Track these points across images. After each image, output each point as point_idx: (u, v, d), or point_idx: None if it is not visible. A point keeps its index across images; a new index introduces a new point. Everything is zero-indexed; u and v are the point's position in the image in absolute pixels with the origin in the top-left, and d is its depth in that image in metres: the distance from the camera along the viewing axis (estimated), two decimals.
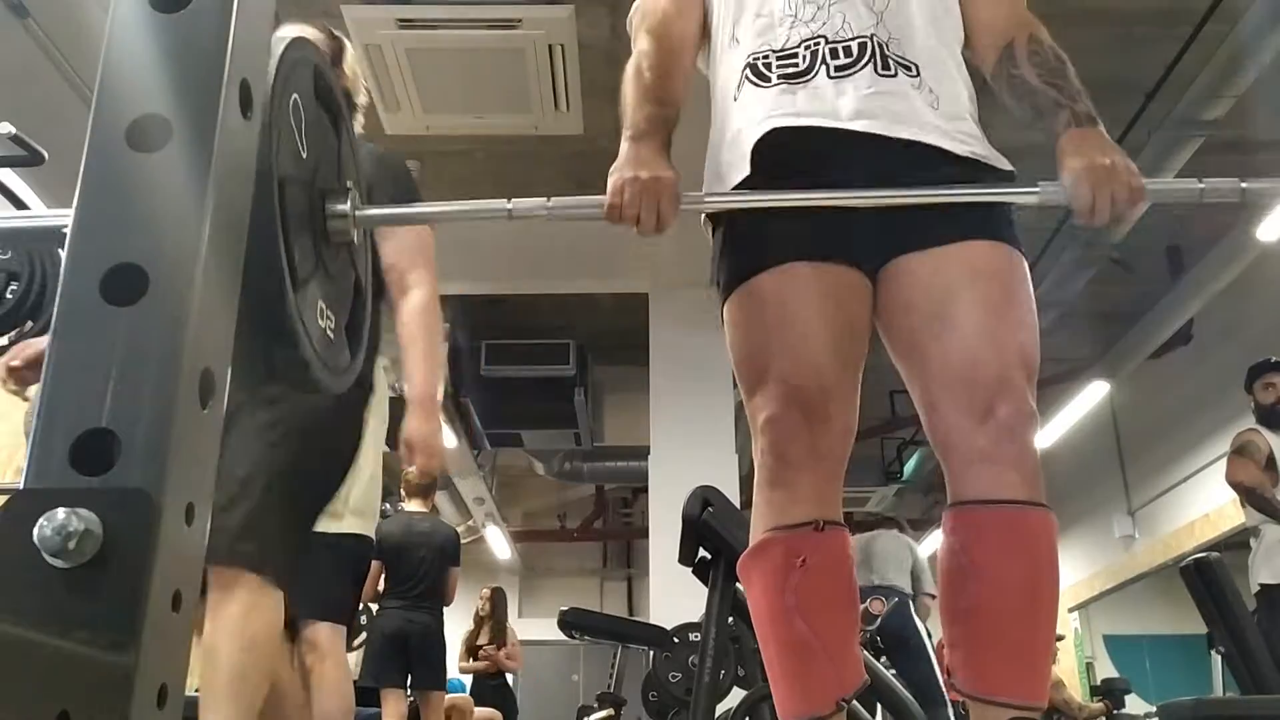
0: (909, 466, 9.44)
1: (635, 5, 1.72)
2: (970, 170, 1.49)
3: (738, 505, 2.76)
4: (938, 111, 1.50)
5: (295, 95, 1.15)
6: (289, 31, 1.09)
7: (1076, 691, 7.54)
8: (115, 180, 0.82)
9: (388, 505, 6.94)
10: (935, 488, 9.90)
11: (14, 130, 2.20)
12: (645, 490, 6.49)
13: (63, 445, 0.75)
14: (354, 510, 3.40)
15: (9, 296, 2.06)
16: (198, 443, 0.80)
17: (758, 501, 1.50)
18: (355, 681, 5.11)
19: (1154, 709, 5.75)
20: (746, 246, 1.54)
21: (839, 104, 1.49)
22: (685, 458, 5.66)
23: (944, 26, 1.59)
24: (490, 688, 7.16)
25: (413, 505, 5.07)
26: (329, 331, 1.21)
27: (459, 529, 6.31)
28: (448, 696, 5.89)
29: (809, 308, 1.47)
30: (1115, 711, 6.13)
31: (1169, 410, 7.67)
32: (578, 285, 6.18)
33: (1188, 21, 4.21)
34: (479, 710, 6.40)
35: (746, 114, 1.55)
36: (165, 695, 0.74)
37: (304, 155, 1.17)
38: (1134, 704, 6.86)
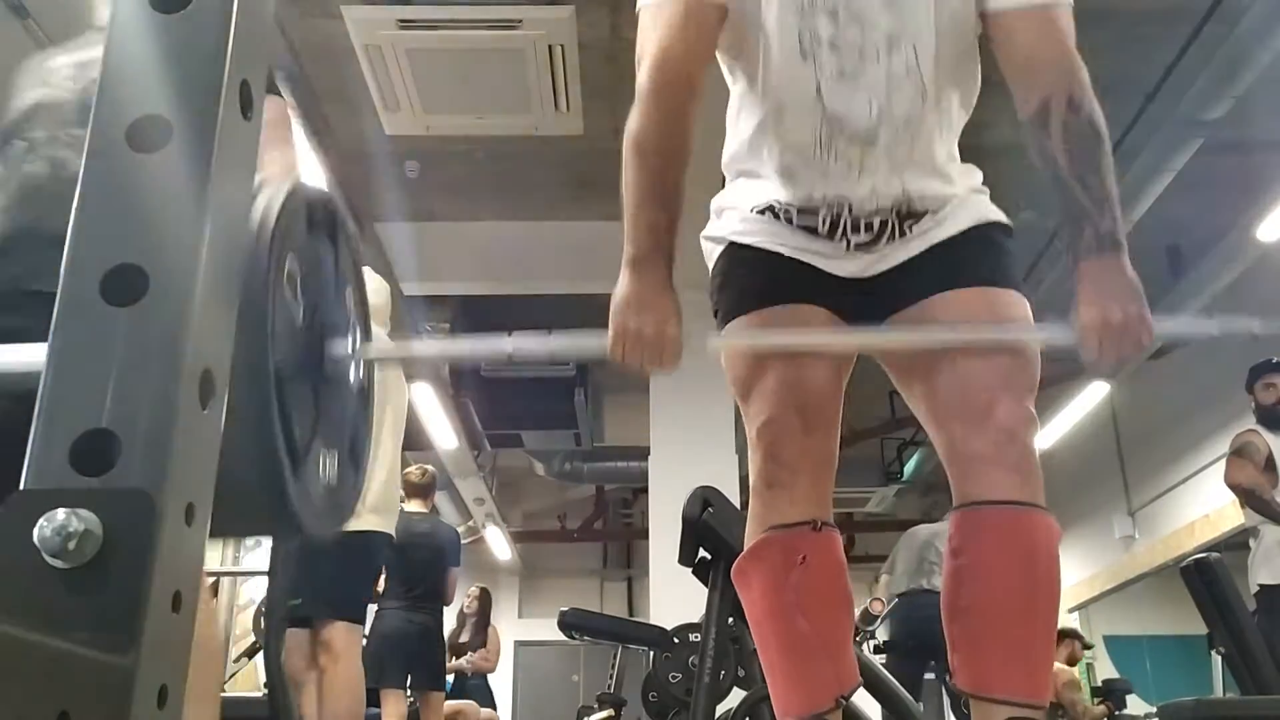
0: (909, 466, 9.44)
1: (645, 38, 1.52)
2: (970, 233, 1.55)
3: (738, 506, 2.76)
4: (941, 227, 1.55)
5: (297, 239, 1.13)
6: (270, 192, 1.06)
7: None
8: (115, 180, 0.82)
9: None
10: (935, 488, 9.89)
11: None
12: (645, 491, 6.49)
13: (63, 445, 0.75)
14: (372, 508, 3.40)
15: None
16: (198, 443, 0.80)
17: (754, 504, 1.53)
18: None
19: (1154, 709, 5.74)
20: (747, 287, 1.58)
21: (852, 267, 1.56)
22: (685, 458, 5.66)
23: (956, 122, 1.57)
24: (471, 686, 7.16)
25: (413, 505, 5.07)
26: (330, 481, 1.17)
27: (459, 529, 6.31)
28: (453, 703, 5.89)
29: (805, 326, 1.53)
30: (1116, 712, 6.13)
31: (1169, 410, 7.67)
32: (578, 285, 6.18)
33: (1188, 21, 4.21)
34: (484, 711, 6.40)
35: (768, 228, 1.58)
36: (165, 696, 0.74)
37: (301, 315, 1.14)
38: (1134, 704, 6.86)
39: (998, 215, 1.59)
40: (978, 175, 1.62)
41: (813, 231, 1.54)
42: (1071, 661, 6.72)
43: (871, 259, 1.55)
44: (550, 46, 4.27)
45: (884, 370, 1.62)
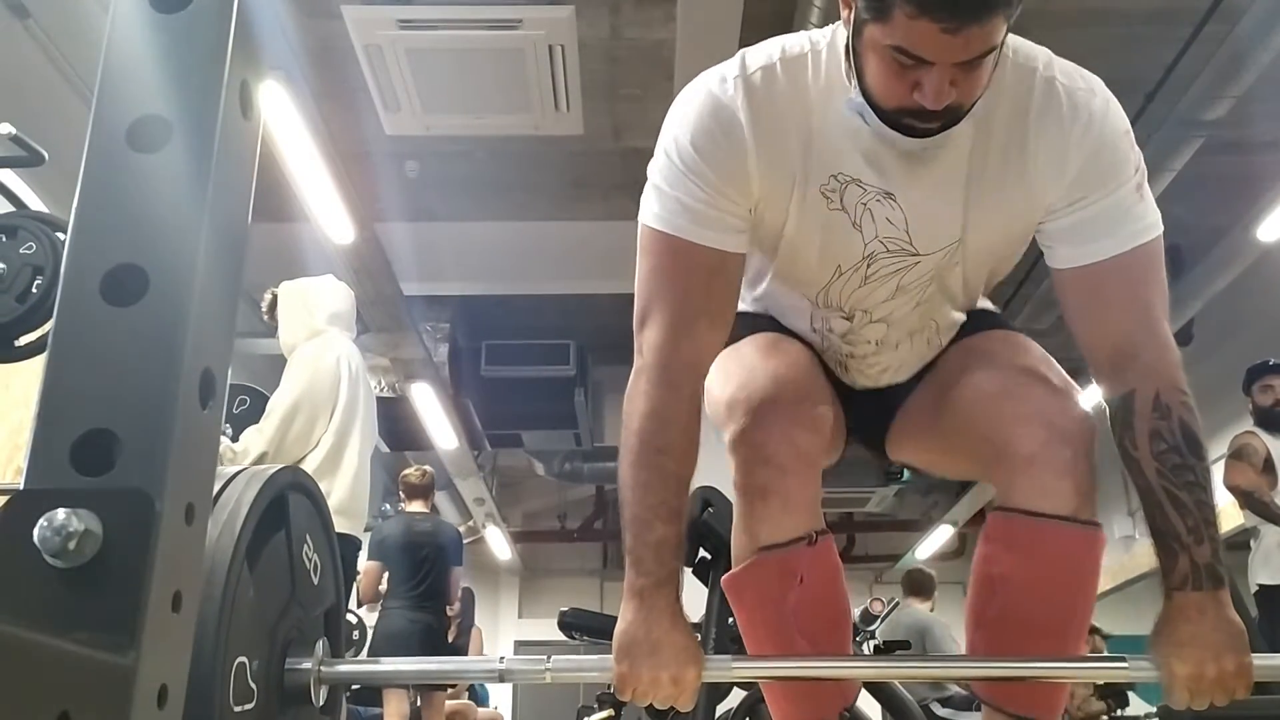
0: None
1: (648, 290, 1.30)
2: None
3: None
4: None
5: (269, 536, 1.07)
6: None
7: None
8: (115, 180, 0.82)
9: (388, 506, 6.95)
10: (935, 488, 9.89)
11: (14, 130, 2.20)
12: None
13: (63, 445, 0.75)
14: (337, 509, 3.42)
15: (34, 291, 2.04)
16: (198, 443, 0.80)
17: (742, 517, 1.39)
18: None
19: (1154, 709, 5.75)
20: (744, 324, 1.49)
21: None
22: None
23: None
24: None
25: (414, 506, 5.07)
26: None
27: (459, 529, 6.31)
28: (454, 703, 5.89)
29: (799, 346, 1.48)
30: (1117, 712, 6.12)
31: None
32: (578, 285, 6.19)
33: (1188, 21, 4.21)
34: (481, 710, 6.40)
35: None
36: (165, 695, 0.74)
37: (268, 604, 1.07)
38: (1135, 704, 6.85)
39: (990, 306, 1.58)
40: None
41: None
42: None
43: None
44: (550, 46, 4.27)
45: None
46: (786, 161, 1.26)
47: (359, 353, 3.52)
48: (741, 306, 1.47)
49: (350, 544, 3.57)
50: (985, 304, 1.56)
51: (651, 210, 1.29)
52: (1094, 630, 7.00)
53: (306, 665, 1.12)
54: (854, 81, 1.18)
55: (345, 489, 3.46)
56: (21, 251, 2.03)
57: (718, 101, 1.24)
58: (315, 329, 3.39)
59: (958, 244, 1.32)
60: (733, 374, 1.42)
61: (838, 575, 1.43)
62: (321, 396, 3.30)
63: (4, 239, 2.05)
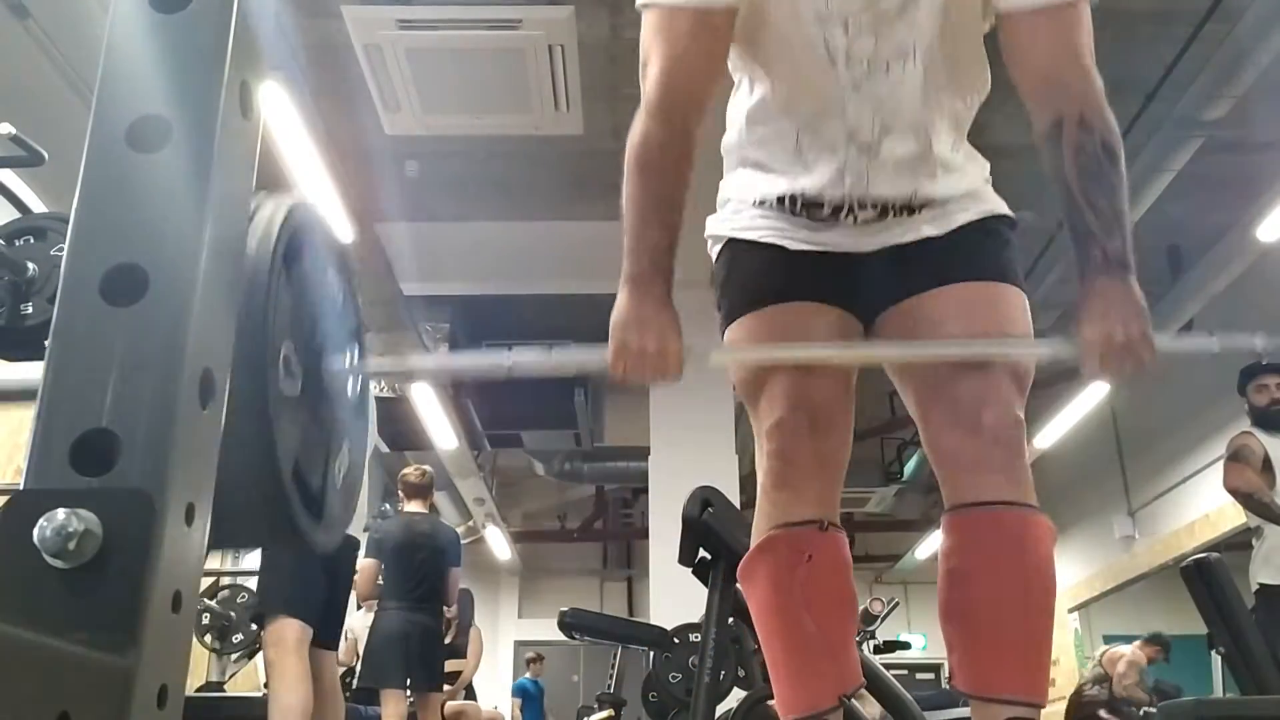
0: (909, 467, 9.44)
1: (650, 46, 1.47)
2: (975, 228, 1.54)
3: (738, 506, 2.76)
4: (945, 219, 1.55)
5: (297, 257, 1.14)
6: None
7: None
8: (115, 180, 0.82)
9: (388, 506, 6.95)
10: (935, 488, 9.82)
11: (14, 130, 2.20)
12: (645, 491, 6.50)
13: (63, 445, 0.75)
14: None
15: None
16: (198, 443, 0.80)
17: (761, 504, 1.53)
18: (355, 682, 5.12)
19: (1154, 709, 5.75)
20: (750, 284, 1.57)
21: (860, 242, 1.55)
22: (685, 458, 5.66)
23: (963, 118, 1.56)
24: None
25: (413, 506, 5.07)
26: (321, 488, 1.18)
27: (459, 529, 6.31)
28: (455, 704, 5.89)
29: (810, 328, 1.53)
30: (1155, 704, 6.14)
31: (1169, 410, 7.67)
32: (578, 285, 6.19)
33: (1188, 21, 4.21)
34: (484, 710, 6.40)
35: (773, 221, 1.57)
36: (165, 695, 0.74)
37: (303, 314, 1.16)
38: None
39: (1003, 208, 1.59)
40: (985, 165, 1.62)
41: (818, 219, 1.54)
42: (1150, 660, 6.85)
43: (876, 232, 1.54)
44: (550, 46, 4.27)
45: (883, 371, 1.62)
46: None
47: None
48: (749, 234, 1.56)
49: (347, 543, 3.57)
50: (999, 204, 1.58)
51: None
52: (1164, 645, 7.07)
53: (342, 363, 1.23)
54: None
55: None
56: (52, 253, 2.03)
57: None
58: None
59: None
60: (758, 370, 1.53)
61: (845, 567, 1.52)
62: None
63: (33, 240, 2.05)
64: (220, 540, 0.97)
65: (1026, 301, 1.54)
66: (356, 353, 1.29)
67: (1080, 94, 1.41)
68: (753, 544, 1.54)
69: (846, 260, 1.54)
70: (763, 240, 1.56)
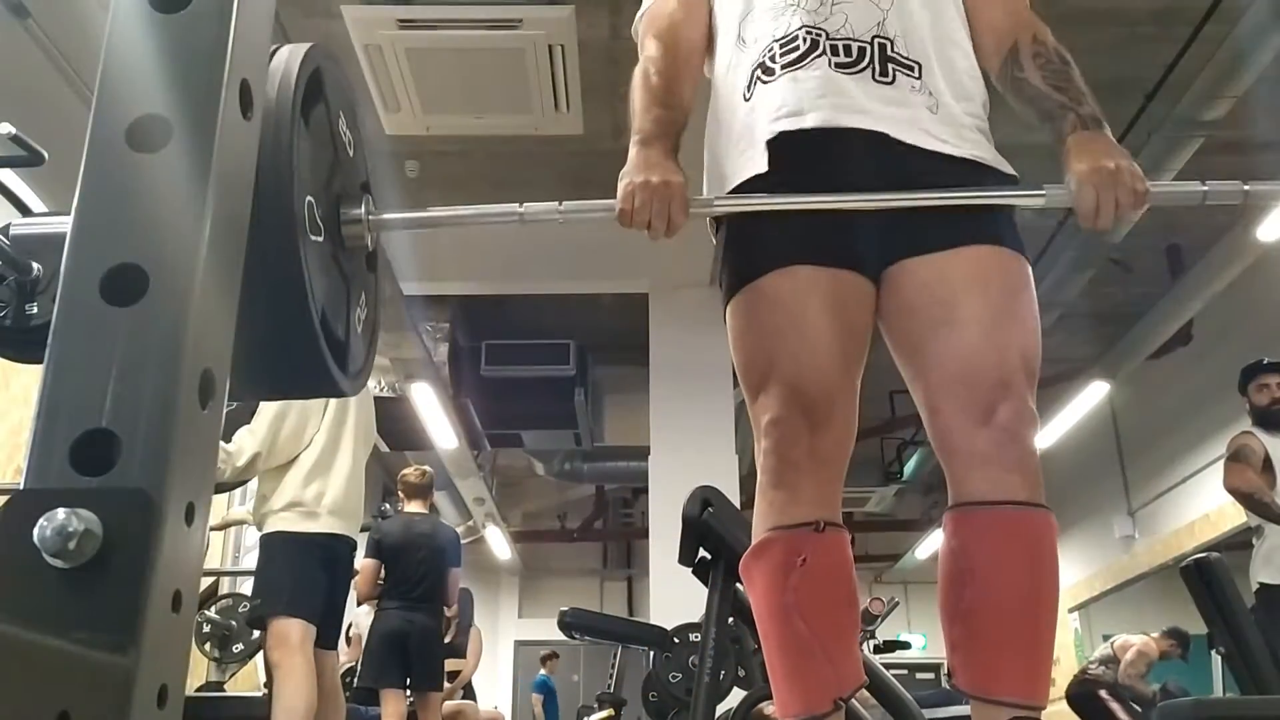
0: (909, 466, 9.44)
1: (641, 10, 1.71)
2: (973, 174, 1.49)
3: (738, 505, 2.75)
4: (937, 115, 1.51)
5: (313, 105, 1.15)
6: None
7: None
8: (115, 180, 0.82)
9: (388, 505, 6.95)
10: (935, 488, 9.89)
11: (14, 130, 2.19)
12: (645, 490, 6.50)
13: (63, 445, 0.75)
14: (330, 510, 3.43)
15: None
16: (198, 443, 0.80)
17: (759, 502, 1.51)
18: (355, 682, 5.12)
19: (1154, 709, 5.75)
20: (750, 248, 1.55)
21: (843, 98, 1.50)
22: (685, 458, 5.65)
23: (948, 18, 1.59)
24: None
25: (413, 506, 5.07)
26: (345, 336, 1.22)
27: (459, 529, 6.30)
28: (452, 703, 5.88)
29: (812, 310, 1.48)
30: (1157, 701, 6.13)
31: (1169, 410, 7.67)
32: (578, 285, 6.19)
33: (1188, 21, 4.21)
34: (482, 710, 6.40)
35: (755, 113, 1.55)
36: (165, 695, 0.74)
37: (320, 163, 1.18)
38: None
39: (1008, 168, 1.55)
40: (982, 93, 1.61)
41: (797, 63, 1.53)
42: (1163, 654, 6.83)
43: (868, 93, 1.51)
44: (550, 46, 4.27)
45: (884, 370, 1.60)
46: None
47: None
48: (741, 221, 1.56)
49: (345, 544, 3.58)
50: (1002, 161, 1.55)
51: None
52: (1183, 641, 7.06)
53: (358, 213, 1.29)
54: None
55: (339, 489, 3.46)
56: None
57: None
58: None
59: None
60: (756, 348, 1.52)
61: (845, 567, 1.49)
62: (309, 411, 3.29)
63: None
64: (253, 388, 1.00)
65: (1030, 270, 1.52)
66: (369, 203, 1.33)
67: (1028, 23, 1.56)
68: (751, 544, 1.52)
69: (847, 216, 1.47)
70: (758, 209, 1.53)
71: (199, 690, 4.81)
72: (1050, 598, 1.40)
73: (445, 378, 6.62)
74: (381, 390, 6.43)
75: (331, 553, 3.49)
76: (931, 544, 10.47)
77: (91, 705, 0.64)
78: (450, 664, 5.63)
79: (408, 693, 4.81)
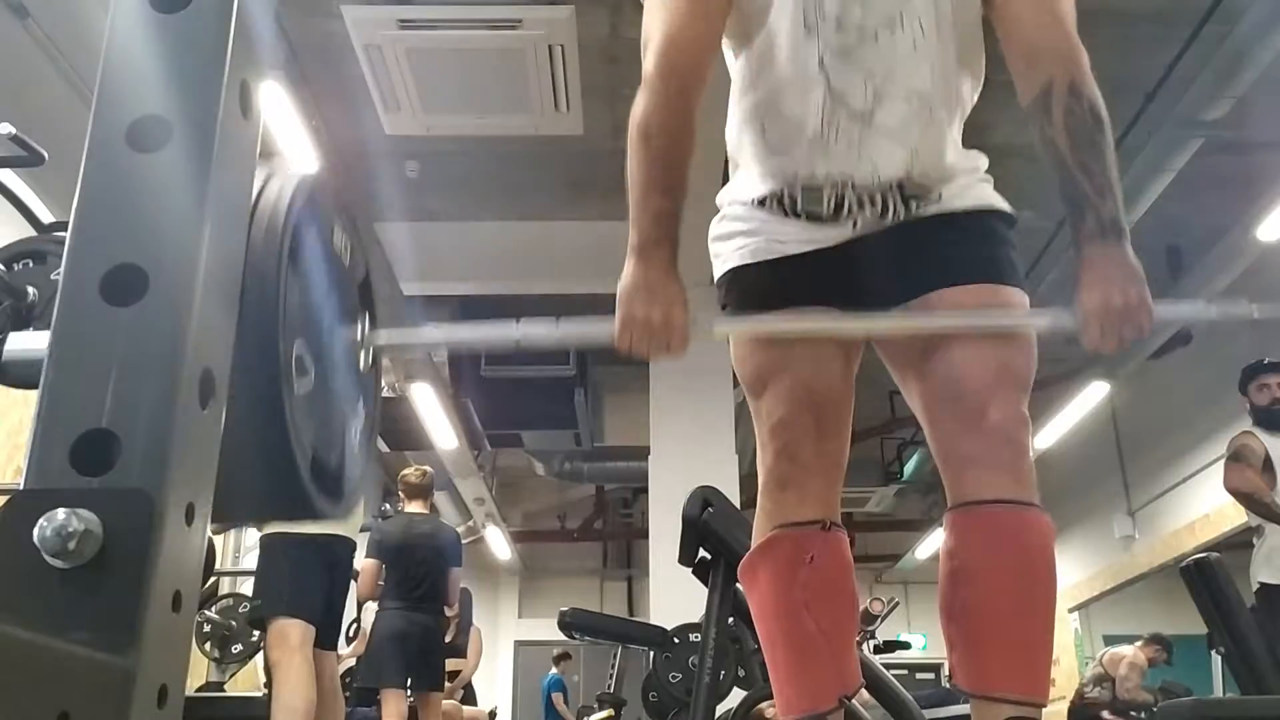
0: (909, 466, 9.44)
1: (651, 23, 1.51)
2: (973, 219, 1.54)
3: (738, 505, 2.76)
4: (942, 202, 1.55)
5: (303, 236, 1.12)
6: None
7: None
8: (115, 180, 0.82)
9: (388, 506, 6.95)
10: (935, 488, 9.88)
11: (14, 130, 2.19)
12: (645, 490, 6.50)
13: (63, 445, 0.75)
14: None
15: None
16: (198, 443, 0.80)
17: (764, 503, 1.53)
18: (355, 682, 5.12)
19: (1154, 709, 5.75)
20: (753, 290, 1.57)
21: (852, 233, 1.55)
22: (685, 458, 5.65)
23: (959, 84, 1.55)
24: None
25: (413, 506, 5.07)
26: (338, 462, 1.18)
27: (459, 529, 6.30)
28: (447, 703, 5.88)
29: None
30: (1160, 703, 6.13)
31: (1169, 410, 7.67)
32: (578, 285, 6.18)
33: (1188, 21, 4.21)
34: (467, 710, 6.39)
35: (771, 226, 1.57)
36: (165, 695, 0.74)
37: (313, 292, 1.14)
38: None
39: (1001, 203, 1.59)
40: (983, 160, 1.62)
41: (816, 217, 1.54)
42: (1150, 661, 6.85)
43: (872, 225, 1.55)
44: (550, 46, 4.27)
45: (884, 369, 1.62)
46: None
47: None
48: (750, 259, 1.56)
49: (345, 545, 3.58)
50: (997, 199, 1.58)
51: None
52: (1165, 645, 7.06)
53: (352, 334, 1.23)
54: None
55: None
56: (53, 277, 1.97)
57: None
58: None
59: None
60: (760, 356, 1.54)
61: (847, 568, 1.52)
62: None
63: (32, 264, 2.01)
64: (235, 516, 0.97)
65: (1028, 302, 1.54)
66: (367, 321, 1.29)
67: (1067, 58, 1.43)
68: (754, 544, 1.54)
69: (846, 261, 1.53)
70: (760, 260, 1.56)
71: (199, 690, 4.81)
72: (1044, 594, 1.41)
73: (445, 378, 6.62)
74: (382, 390, 6.42)
75: (331, 554, 3.49)
76: (931, 544, 10.47)
77: (91, 705, 0.64)
78: (450, 664, 5.63)
79: (408, 693, 4.81)
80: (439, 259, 5.95)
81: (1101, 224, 1.37)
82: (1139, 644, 7.02)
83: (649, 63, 1.47)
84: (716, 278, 1.65)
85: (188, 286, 0.79)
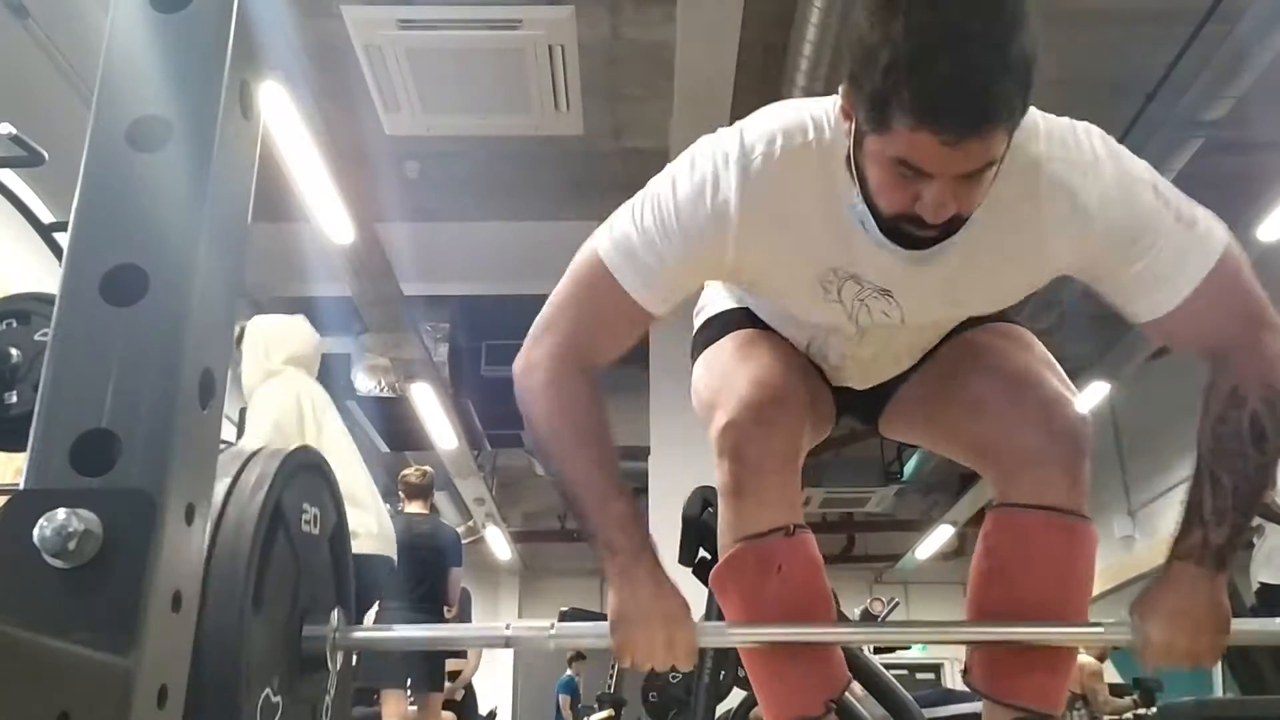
0: (909, 466, 9.43)
1: (569, 287, 1.37)
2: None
3: None
4: None
5: (286, 509, 1.08)
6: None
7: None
8: (115, 180, 0.82)
9: (388, 506, 6.94)
10: (935, 488, 9.88)
11: (14, 130, 2.19)
12: (645, 490, 6.49)
13: (63, 445, 0.75)
14: (369, 534, 3.48)
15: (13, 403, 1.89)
16: (198, 443, 0.80)
17: (724, 513, 1.47)
18: (355, 682, 5.12)
19: (1154, 709, 5.74)
20: (733, 321, 1.55)
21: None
22: (685, 458, 5.63)
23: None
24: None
25: (413, 507, 5.07)
26: None
27: (459, 529, 6.30)
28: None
29: (778, 342, 1.50)
30: (1144, 710, 6.12)
31: (1169, 410, 7.65)
32: None
33: (1188, 21, 4.21)
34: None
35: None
36: (165, 695, 0.74)
37: (284, 574, 1.09)
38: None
39: None
40: None
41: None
42: (1101, 656, 6.80)
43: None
44: (550, 46, 4.27)
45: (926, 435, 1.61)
46: (780, 252, 1.27)
47: (321, 389, 3.43)
48: (725, 305, 1.53)
49: (386, 564, 3.60)
50: None
51: (608, 234, 1.31)
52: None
53: (323, 631, 1.16)
54: (856, 188, 1.18)
55: (373, 519, 3.51)
56: (36, 338, 1.90)
57: (715, 181, 1.23)
58: (270, 370, 3.32)
59: (956, 318, 1.41)
60: (714, 376, 1.49)
61: (817, 569, 1.46)
62: (291, 431, 3.27)
63: (15, 324, 1.94)
64: None
65: (1033, 337, 1.52)
66: (337, 620, 1.19)
67: (1244, 365, 1.30)
68: (720, 554, 1.48)
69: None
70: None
71: None
72: (1078, 610, 1.38)
73: (445, 378, 6.61)
74: (381, 390, 6.43)
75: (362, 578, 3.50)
76: (931, 544, 10.46)
77: (91, 705, 0.64)
78: (450, 664, 5.63)
79: (408, 693, 4.80)
80: (439, 259, 5.95)
81: (1206, 546, 1.26)
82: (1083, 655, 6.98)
83: (542, 352, 1.34)
84: (699, 325, 1.62)
85: (188, 286, 0.79)
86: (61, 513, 0.70)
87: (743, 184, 1.22)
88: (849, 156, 1.17)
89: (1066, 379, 1.44)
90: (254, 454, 1.07)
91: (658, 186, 1.28)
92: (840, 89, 1.15)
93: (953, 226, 1.14)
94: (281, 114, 3.83)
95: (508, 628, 1.27)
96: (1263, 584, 4.27)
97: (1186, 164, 4.61)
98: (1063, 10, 4.06)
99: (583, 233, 1.39)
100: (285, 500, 1.08)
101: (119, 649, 0.69)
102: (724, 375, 1.48)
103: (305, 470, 1.17)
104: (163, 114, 0.82)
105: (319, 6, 4.15)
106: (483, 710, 7.29)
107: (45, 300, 1.98)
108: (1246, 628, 1.32)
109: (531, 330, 1.36)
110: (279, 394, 3.27)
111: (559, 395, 1.32)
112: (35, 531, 0.70)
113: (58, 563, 0.70)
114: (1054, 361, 1.47)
